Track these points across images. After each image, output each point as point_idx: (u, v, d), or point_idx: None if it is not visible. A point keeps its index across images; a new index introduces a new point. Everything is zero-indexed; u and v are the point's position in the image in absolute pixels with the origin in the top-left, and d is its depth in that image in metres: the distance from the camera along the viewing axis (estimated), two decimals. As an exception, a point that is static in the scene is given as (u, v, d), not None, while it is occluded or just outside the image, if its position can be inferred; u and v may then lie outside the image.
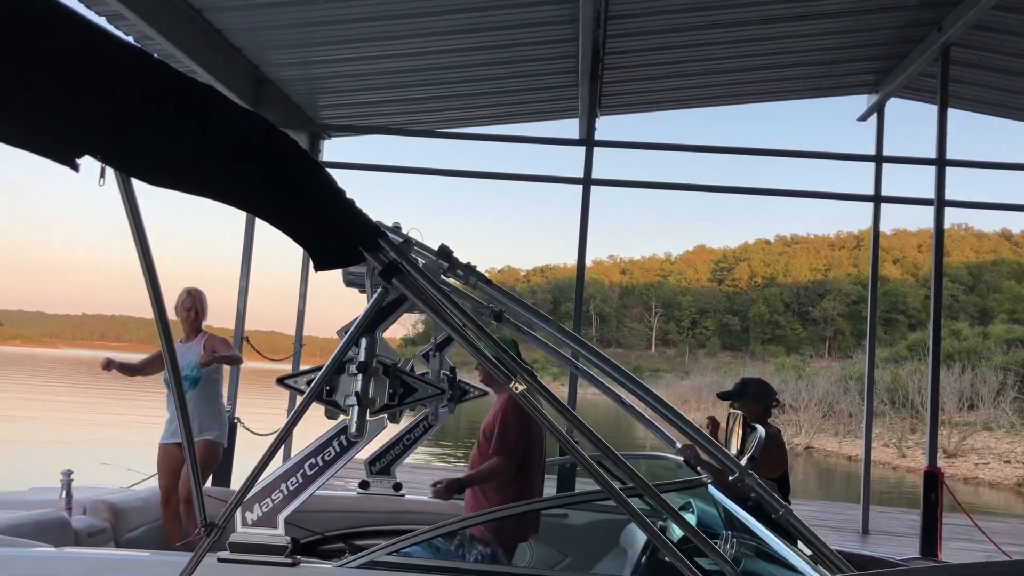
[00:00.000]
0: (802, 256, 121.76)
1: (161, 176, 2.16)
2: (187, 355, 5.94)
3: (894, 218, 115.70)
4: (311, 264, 2.93)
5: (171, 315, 5.30)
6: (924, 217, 52.91)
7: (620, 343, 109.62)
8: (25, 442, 16.10)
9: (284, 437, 2.87)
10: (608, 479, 2.89)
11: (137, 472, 6.83)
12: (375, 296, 2.99)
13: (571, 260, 10.30)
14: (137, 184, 2.41)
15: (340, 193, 2.54)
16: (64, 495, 4.36)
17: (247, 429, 7.78)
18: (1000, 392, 32.22)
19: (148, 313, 2.91)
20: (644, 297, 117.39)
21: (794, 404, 36.56)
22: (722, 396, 5.08)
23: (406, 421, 5.37)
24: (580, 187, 10.48)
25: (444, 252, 3.57)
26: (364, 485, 5.25)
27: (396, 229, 3.59)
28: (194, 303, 6.08)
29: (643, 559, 4.22)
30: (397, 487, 5.23)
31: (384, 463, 5.30)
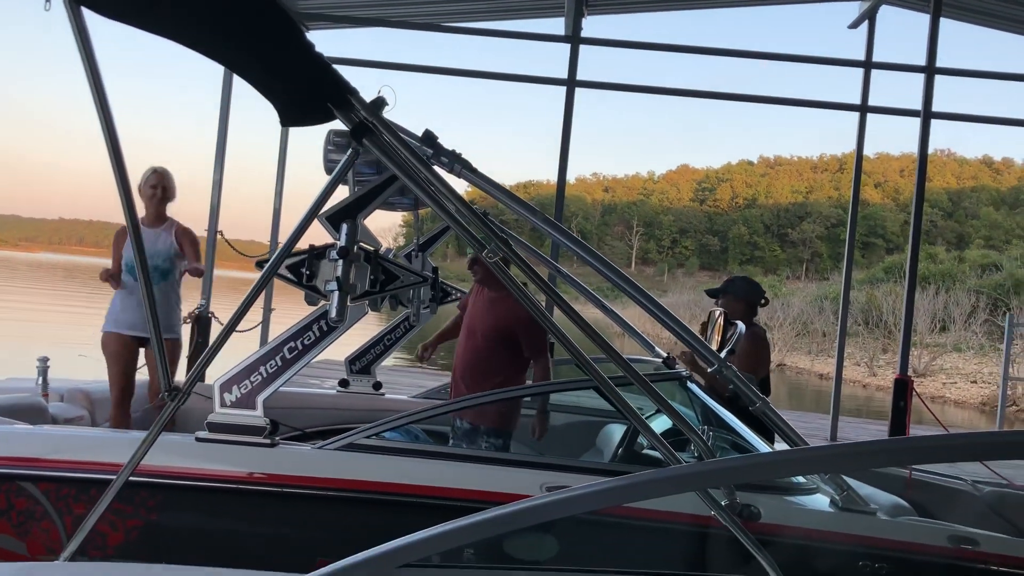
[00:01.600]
0: (784, 178, 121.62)
1: (122, 9, 2.06)
2: (156, 243, 5.41)
3: (877, 141, 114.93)
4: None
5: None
6: (908, 141, 52.65)
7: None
8: (2, 337, 16.06)
9: (247, 307, 2.86)
10: (595, 367, 2.90)
11: None
12: (341, 165, 2.90)
13: (553, 177, 10.17)
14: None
15: (310, 47, 2.45)
16: (40, 381, 4.35)
17: (222, 324, 7.64)
18: (972, 314, 32.72)
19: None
20: (626, 215, 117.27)
21: (768, 323, 37.01)
22: (709, 293, 5.10)
23: (388, 320, 5.39)
24: (564, 88, 10.28)
25: (428, 137, 3.50)
26: (344, 384, 5.28)
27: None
28: (160, 181, 5.50)
29: (619, 454, 4.29)
30: (376, 386, 5.27)
31: (364, 363, 5.33)
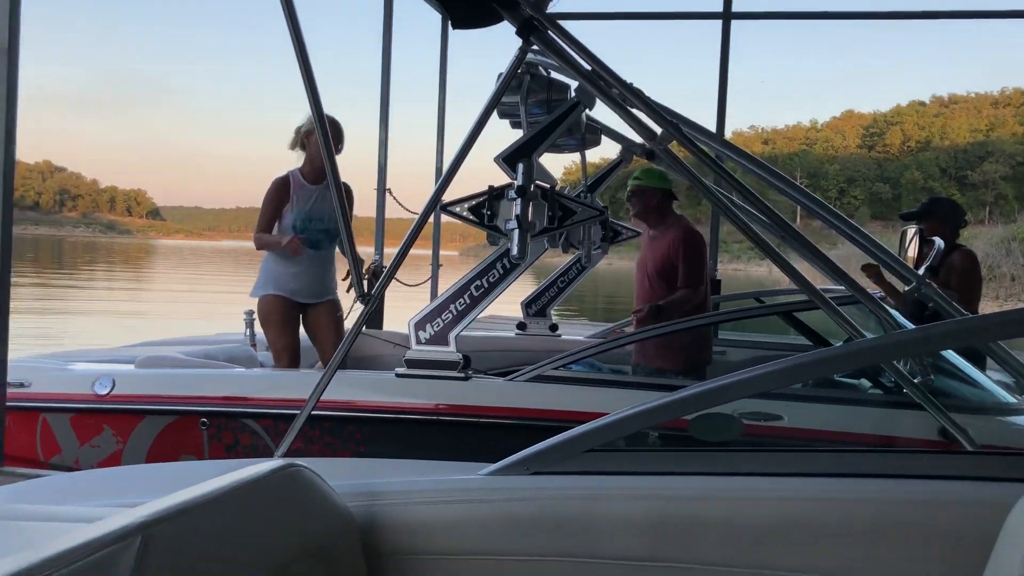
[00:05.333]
0: (961, 117, 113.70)
1: None
2: (323, 202, 4.67)
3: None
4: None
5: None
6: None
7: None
8: (209, 310, 17.56)
9: (419, 229, 3.00)
10: (811, 283, 2.87)
11: None
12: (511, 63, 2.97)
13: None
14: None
15: None
16: (248, 332, 4.71)
17: (398, 280, 7.92)
18: None
19: None
20: (788, 167, 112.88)
21: (951, 270, 34.87)
22: (907, 216, 4.80)
23: (562, 260, 5.48)
24: (720, 23, 9.89)
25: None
26: (521, 326, 5.43)
27: None
28: (334, 132, 4.57)
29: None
30: (553, 327, 5.39)
31: (540, 305, 5.46)
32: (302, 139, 4.70)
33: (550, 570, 1.56)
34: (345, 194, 4.77)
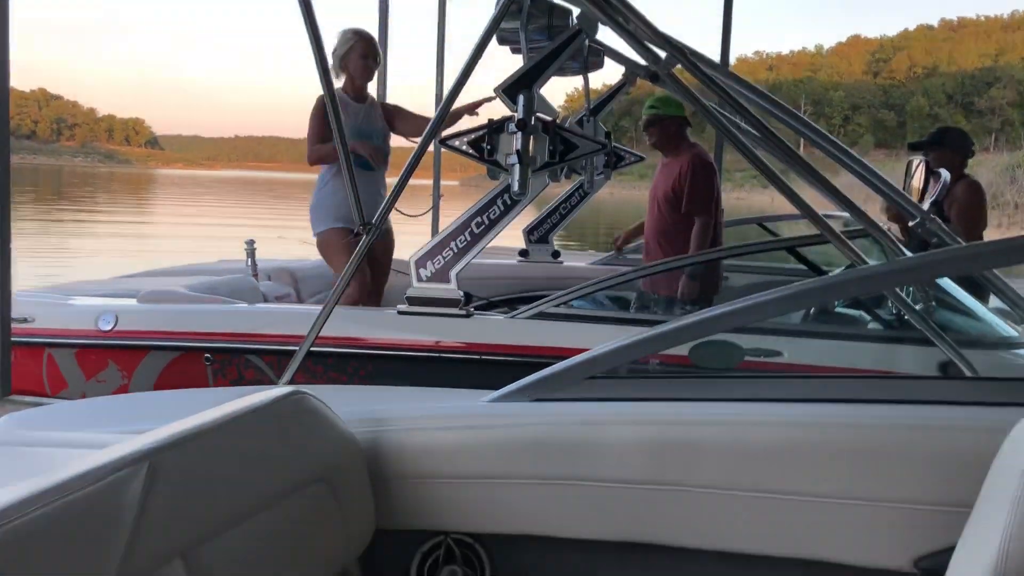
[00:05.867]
0: (969, 41, 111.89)
1: None
2: (372, 121, 4.50)
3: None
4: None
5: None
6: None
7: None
8: (211, 235, 17.65)
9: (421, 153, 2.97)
10: (818, 214, 2.85)
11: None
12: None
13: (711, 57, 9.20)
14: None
15: None
16: (250, 262, 4.71)
17: (398, 210, 7.86)
18: None
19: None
20: (792, 94, 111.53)
21: (955, 198, 34.69)
22: (915, 145, 4.71)
23: (564, 188, 5.44)
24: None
25: None
26: (524, 254, 5.43)
27: None
28: (371, 49, 4.52)
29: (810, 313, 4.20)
30: (555, 254, 5.39)
31: (542, 232, 5.45)
32: (339, 61, 4.46)
33: (552, 493, 1.59)
34: (399, 113, 4.68)
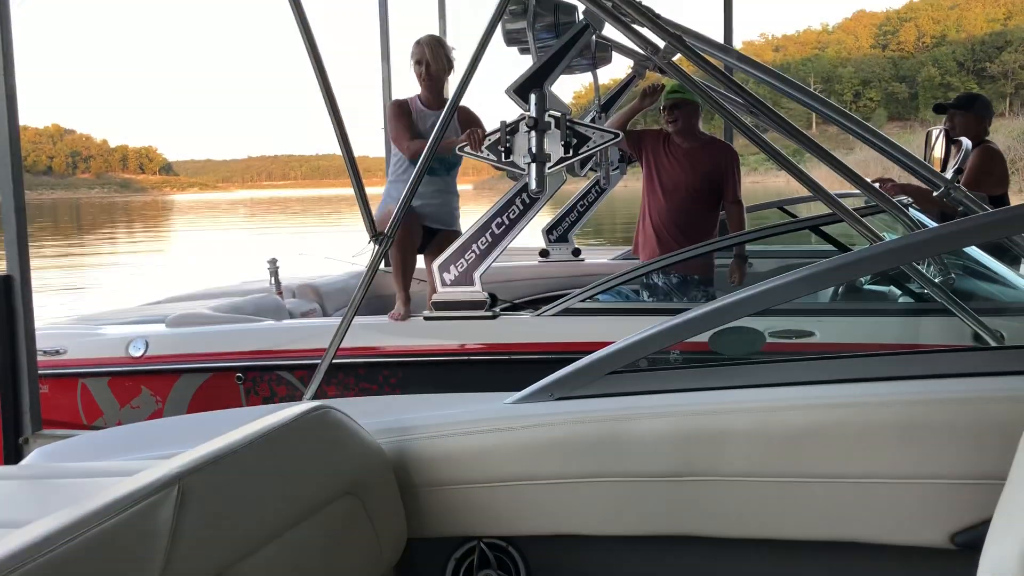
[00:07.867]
0: (977, 7, 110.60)
1: None
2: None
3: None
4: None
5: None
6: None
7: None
8: (233, 252, 17.87)
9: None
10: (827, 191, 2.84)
11: (337, 259, 6.34)
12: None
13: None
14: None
15: None
16: (273, 281, 4.74)
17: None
18: None
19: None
20: (801, 73, 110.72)
21: (973, 166, 34.26)
22: (940, 108, 4.60)
23: (581, 183, 5.43)
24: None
25: None
26: (544, 253, 5.42)
27: None
28: (423, 54, 4.28)
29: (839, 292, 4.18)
30: (576, 252, 5.38)
31: (561, 230, 5.44)
32: (414, 69, 4.37)
33: (581, 491, 1.59)
34: (473, 124, 4.18)
